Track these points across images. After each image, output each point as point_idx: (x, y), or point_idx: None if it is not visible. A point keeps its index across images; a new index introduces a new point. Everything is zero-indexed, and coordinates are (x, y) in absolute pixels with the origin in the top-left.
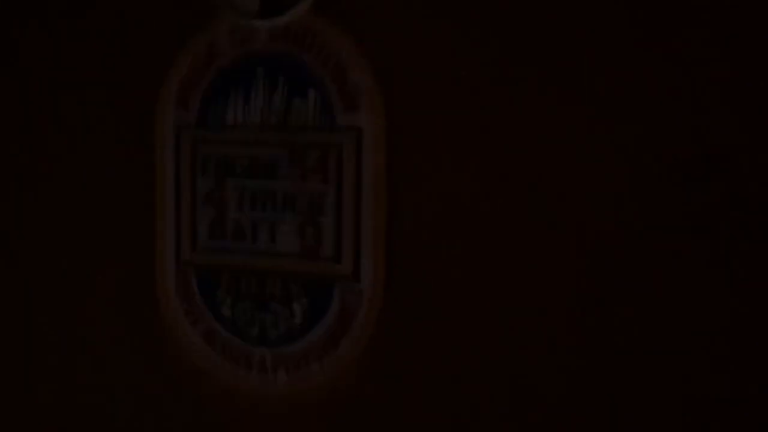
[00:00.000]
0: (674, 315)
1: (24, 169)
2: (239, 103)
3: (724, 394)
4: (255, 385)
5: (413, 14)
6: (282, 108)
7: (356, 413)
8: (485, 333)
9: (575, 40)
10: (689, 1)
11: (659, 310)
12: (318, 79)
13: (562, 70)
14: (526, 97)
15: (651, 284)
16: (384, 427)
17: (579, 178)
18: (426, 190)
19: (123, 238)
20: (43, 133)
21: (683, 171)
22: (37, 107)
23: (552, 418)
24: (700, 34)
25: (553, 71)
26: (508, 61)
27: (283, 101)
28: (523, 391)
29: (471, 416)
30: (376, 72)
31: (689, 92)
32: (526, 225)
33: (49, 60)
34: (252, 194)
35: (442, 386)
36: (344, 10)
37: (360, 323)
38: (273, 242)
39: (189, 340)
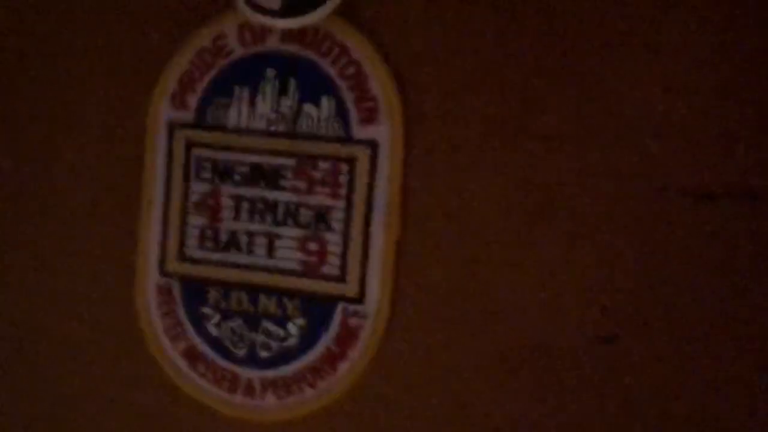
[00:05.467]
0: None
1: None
2: (244, 105)
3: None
4: (240, 410)
5: (440, 24)
6: (292, 114)
7: None
8: (493, 362)
9: (597, 48)
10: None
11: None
12: (334, 86)
13: (583, 83)
14: (550, 113)
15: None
16: None
17: (598, 198)
18: (442, 212)
19: (104, 243)
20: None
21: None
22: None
23: None
24: None
25: (572, 83)
26: (533, 74)
27: (294, 107)
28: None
29: None
30: (399, 85)
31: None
32: (543, 250)
33: (38, 46)
34: (250, 203)
35: (445, 417)
36: (369, 16)
37: (361, 348)
38: (271, 257)
39: (168, 359)
